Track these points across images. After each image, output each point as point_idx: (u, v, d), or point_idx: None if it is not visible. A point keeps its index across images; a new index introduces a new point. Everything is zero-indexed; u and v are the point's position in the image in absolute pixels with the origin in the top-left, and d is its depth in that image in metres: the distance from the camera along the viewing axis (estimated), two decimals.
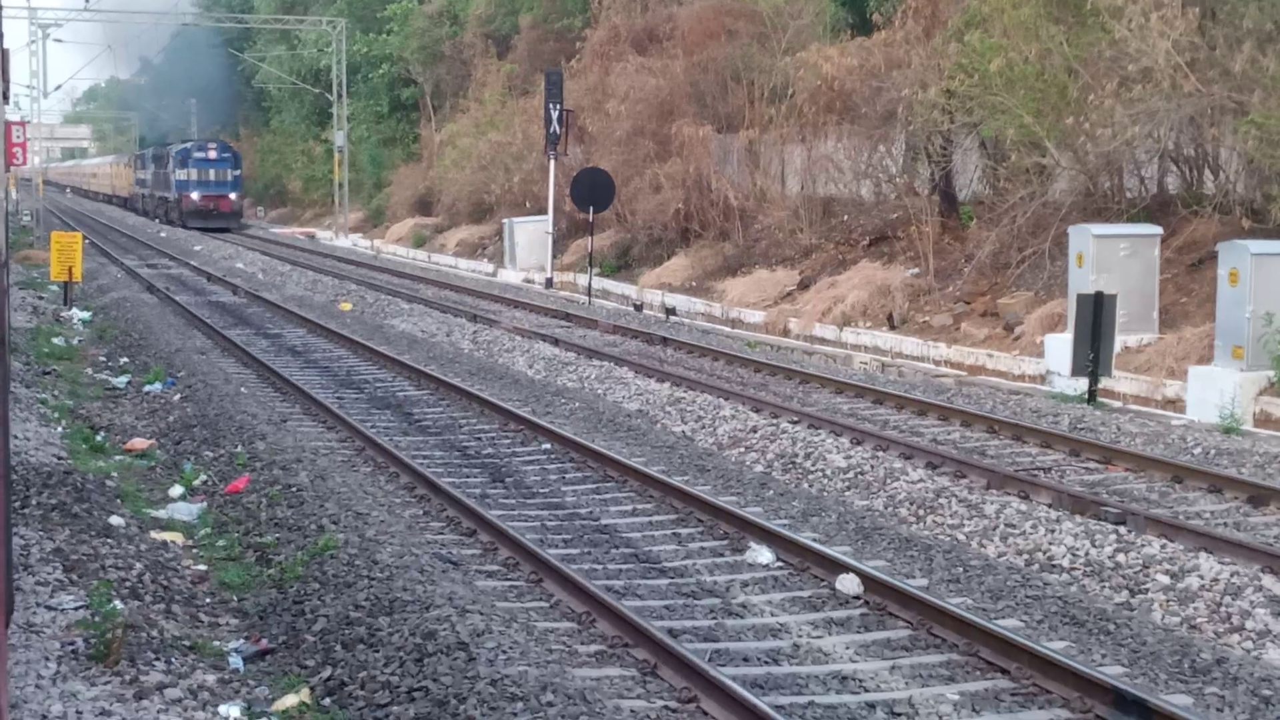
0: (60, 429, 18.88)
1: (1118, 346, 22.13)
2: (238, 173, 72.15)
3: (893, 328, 28.61)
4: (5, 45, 9.10)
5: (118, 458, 17.52)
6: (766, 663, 9.50)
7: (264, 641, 10.37)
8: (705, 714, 8.43)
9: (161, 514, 14.53)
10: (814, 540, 12.29)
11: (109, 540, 12.85)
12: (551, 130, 41.32)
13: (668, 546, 12.65)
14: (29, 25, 70.16)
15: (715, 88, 40.29)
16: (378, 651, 9.43)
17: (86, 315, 32.46)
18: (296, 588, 11.28)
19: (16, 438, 16.92)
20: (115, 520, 13.68)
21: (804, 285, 33.35)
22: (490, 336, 27.94)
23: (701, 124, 39.72)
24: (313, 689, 9.24)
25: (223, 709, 8.86)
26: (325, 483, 14.32)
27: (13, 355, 24.49)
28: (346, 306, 35.28)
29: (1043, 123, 26.66)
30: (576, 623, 10.23)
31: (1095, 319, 20.79)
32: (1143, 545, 12.03)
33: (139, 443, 18.18)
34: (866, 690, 9.01)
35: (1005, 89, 26.74)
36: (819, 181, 37.77)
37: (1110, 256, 22.82)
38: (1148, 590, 11.20)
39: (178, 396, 21.04)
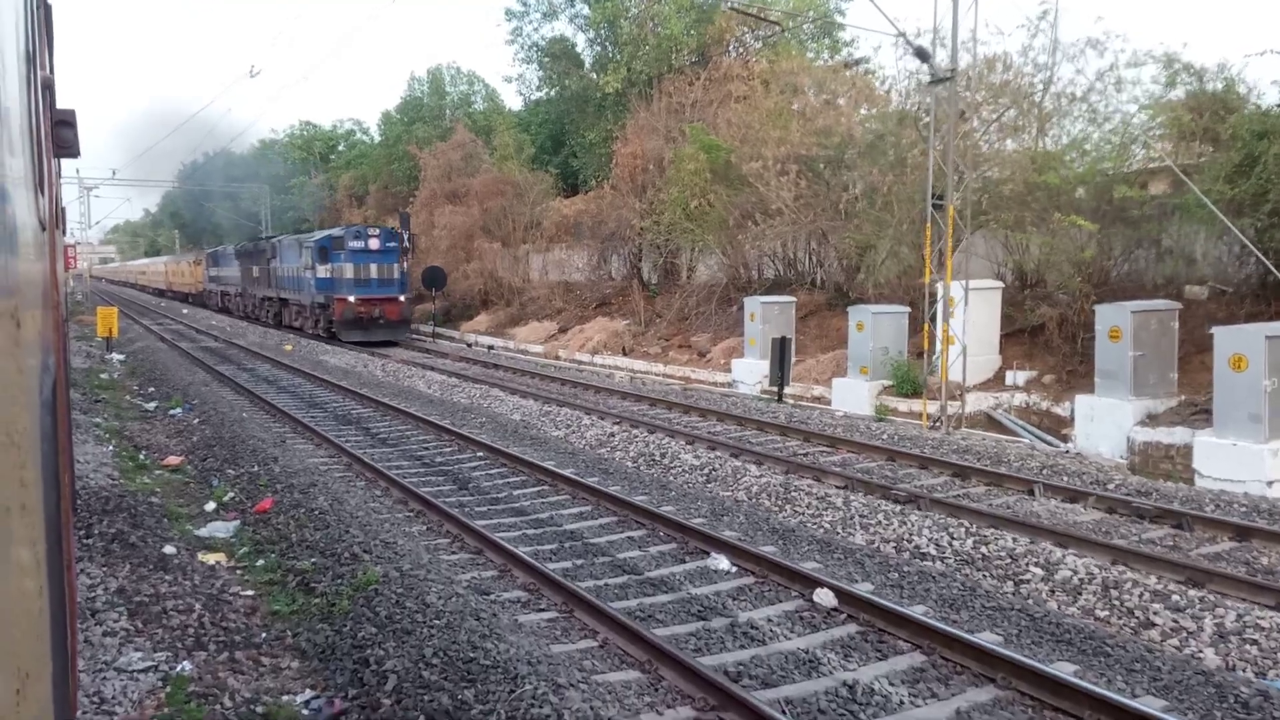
0: (111, 448, 12.89)
1: (768, 368, 18.54)
2: (403, 268, 30.42)
3: (625, 354, 24.32)
4: (63, 204, 7.08)
5: (157, 473, 11.73)
6: (827, 707, 5.01)
7: (337, 702, 5.35)
8: None
9: (203, 533, 8.98)
10: (773, 553, 7.26)
11: (166, 575, 7.40)
12: (404, 245, 36.66)
13: (648, 561, 7.62)
14: (79, 186, 59.92)
15: (495, 222, 35.73)
16: None
17: (121, 357, 25.12)
18: (350, 626, 6.18)
19: (79, 461, 11.10)
20: (168, 550, 8.15)
21: (563, 330, 28.74)
22: (393, 367, 22.17)
23: (491, 241, 35.09)
24: None
25: None
26: (342, 506, 8.94)
27: (72, 388, 18.06)
28: (289, 348, 28.67)
29: (716, 239, 22.93)
30: (642, 671, 5.43)
31: (781, 351, 17.08)
32: (997, 539, 7.57)
33: (172, 460, 12.34)
34: None
35: (692, 221, 22.89)
36: (554, 273, 33.75)
37: (770, 314, 19.12)
38: (1028, 580, 7.05)
39: (196, 420, 14.95)
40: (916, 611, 6.05)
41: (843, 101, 23.02)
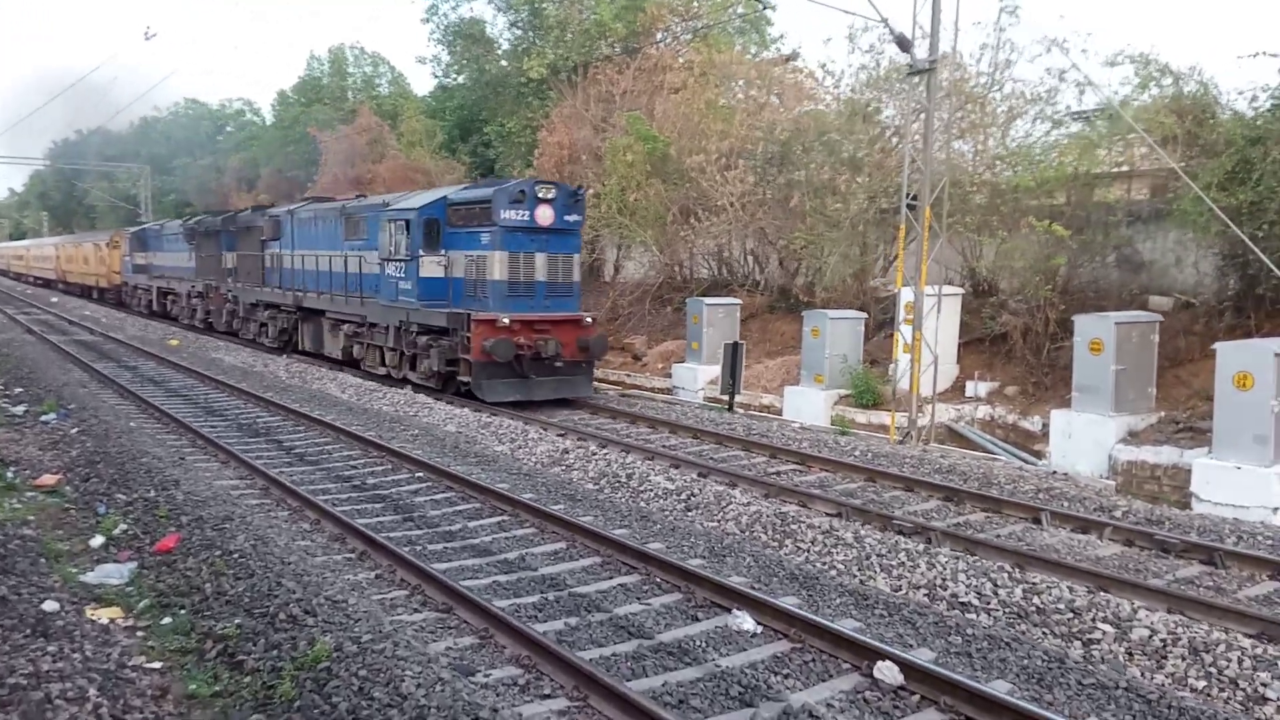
0: None
1: (714, 374, 17.67)
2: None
3: None
4: None
5: (29, 494, 9.88)
6: None
7: None
8: None
9: (91, 578, 7.33)
10: (799, 607, 6.10)
11: (49, 645, 5.81)
12: None
13: (653, 618, 6.39)
14: None
15: None
16: None
17: None
18: None
19: None
20: (50, 605, 6.51)
21: None
22: (298, 367, 20.23)
23: None
24: None
25: None
26: (267, 547, 7.38)
27: None
28: (175, 343, 26.15)
29: (653, 236, 21.81)
30: None
31: (734, 358, 16.14)
32: (1049, 587, 6.59)
33: (48, 479, 10.44)
34: None
35: (628, 216, 21.71)
36: None
37: (715, 317, 18.19)
38: (1099, 640, 6.20)
39: (74, 429, 12.93)
40: (1001, 689, 5.06)
41: (775, 99, 22.30)
